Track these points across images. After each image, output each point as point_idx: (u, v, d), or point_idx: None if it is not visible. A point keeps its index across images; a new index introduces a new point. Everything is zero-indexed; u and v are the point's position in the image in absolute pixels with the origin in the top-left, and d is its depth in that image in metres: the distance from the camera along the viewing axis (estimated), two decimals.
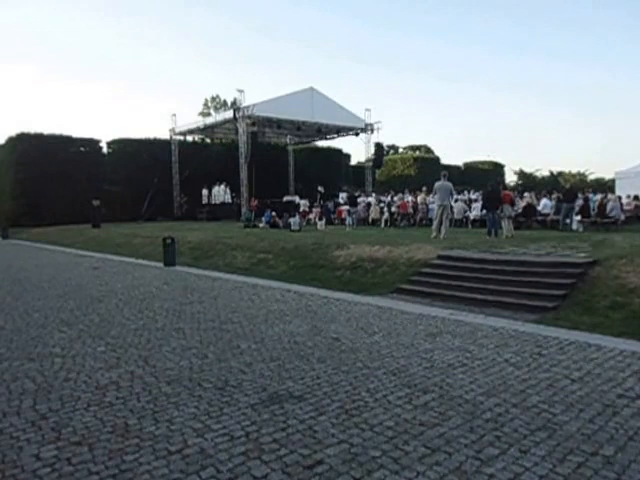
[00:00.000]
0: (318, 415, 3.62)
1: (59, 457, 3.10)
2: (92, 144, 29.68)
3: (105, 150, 30.34)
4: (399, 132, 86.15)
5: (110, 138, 30.47)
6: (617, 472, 2.82)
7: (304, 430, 3.39)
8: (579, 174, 41.42)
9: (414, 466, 2.92)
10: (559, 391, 3.99)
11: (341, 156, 36.96)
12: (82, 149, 29.16)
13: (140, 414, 3.70)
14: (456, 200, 20.20)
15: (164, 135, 30.46)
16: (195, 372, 4.59)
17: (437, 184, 13.35)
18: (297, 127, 27.08)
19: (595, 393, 3.94)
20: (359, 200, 21.77)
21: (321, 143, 34.72)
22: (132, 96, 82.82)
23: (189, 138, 32.91)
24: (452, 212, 17.41)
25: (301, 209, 23.16)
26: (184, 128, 29.31)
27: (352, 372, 4.51)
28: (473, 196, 22.43)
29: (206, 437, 3.31)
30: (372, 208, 21.12)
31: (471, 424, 3.43)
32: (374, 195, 25.36)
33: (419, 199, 20.90)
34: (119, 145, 30.25)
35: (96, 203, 24.68)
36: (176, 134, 29.73)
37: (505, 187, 16.06)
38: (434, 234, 12.82)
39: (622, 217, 16.05)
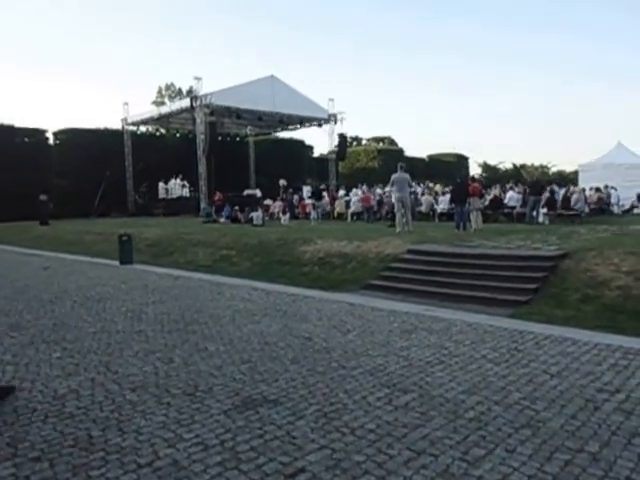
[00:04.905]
0: (296, 420, 3.46)
1: (17, 475, 2.81)
2: (37, 134, 27.93)
3: (52, 141, 28.75)
4: (363, 123, 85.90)
5: (57, 128, 28.97)
6: (604, 469, 2.80)
7: (282, 436, 3.23)
8: (541, 167, 42.47)
9: (400, 471, 2.81)
10: (539, 387, 3.99)
11: (303, 148, 36.34)
12: (26, 140, 27.48)
13: (104, 424, 3.43)
14: (423, 193, 20.37)
15: (116, 125, 29.24)
16: (161, 377, 4.33)
17: (394, 176, 13.11)
18: (258, 117, 26.38)
19: (575, 388, 3.95)
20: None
21: (283, 134, 34.19)
22: (80, 83, 79.10)
23: (142, 128, 31.75)
24: (417, 204, 17.44)
25: (265, 202, 22.82)
26: (137, 118, 28.11)
27: (328, 373, 4.37)
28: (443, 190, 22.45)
29: (178, 447, 3.10)
30: (337, 202, 21.08)
31: (454, 424, 3.36)
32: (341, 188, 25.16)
33: (384, 192, 20.91)
34: (67, 135, 28.61)
35: (43, 198, 23.18)
36: (128, 124, 28.51)
37: (474, 179, 16.07)
38: (398, 229, 12.70)
39: (586, 209, 16.52)
